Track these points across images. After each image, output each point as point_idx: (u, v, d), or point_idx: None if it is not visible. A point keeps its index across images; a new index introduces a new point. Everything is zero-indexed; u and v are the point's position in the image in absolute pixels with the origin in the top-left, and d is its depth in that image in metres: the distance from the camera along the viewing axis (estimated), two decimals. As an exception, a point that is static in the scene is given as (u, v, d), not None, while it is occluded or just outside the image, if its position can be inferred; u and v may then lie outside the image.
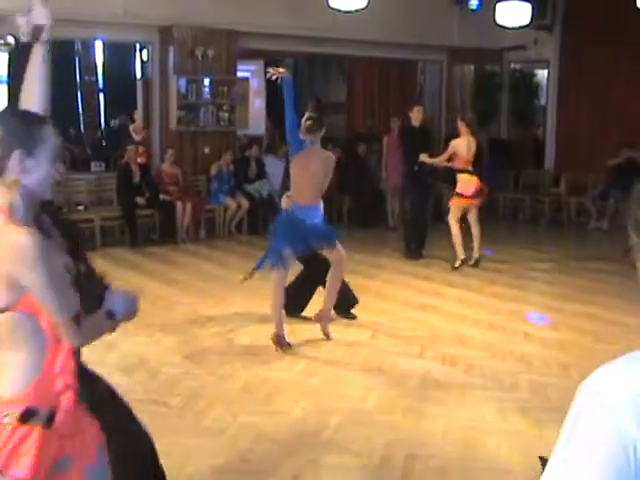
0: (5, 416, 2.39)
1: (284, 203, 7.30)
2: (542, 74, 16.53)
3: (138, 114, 14.32)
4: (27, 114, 2.59)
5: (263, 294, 8.38)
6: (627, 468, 1.10)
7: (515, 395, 5.89)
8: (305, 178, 6.98)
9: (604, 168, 13.75)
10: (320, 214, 7.10)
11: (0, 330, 2.41)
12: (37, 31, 2.94)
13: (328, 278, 7.33)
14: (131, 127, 14.87)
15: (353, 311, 8.00)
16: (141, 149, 12.76)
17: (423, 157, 10.61)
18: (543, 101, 16.49)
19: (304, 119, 7.06)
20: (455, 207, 10.37)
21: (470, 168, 10.23)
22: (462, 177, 10.24)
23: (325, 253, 7.22)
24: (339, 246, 7.19)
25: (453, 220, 10.35)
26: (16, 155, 2.40)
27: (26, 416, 2.40)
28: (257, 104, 17.17)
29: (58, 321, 2.40)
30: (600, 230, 13.72)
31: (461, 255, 10.35)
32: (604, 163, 13.70)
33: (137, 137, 13.90)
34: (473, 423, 5.35)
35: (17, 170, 2.41)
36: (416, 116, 10.97)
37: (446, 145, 10.70)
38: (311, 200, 7.00)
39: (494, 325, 7.87)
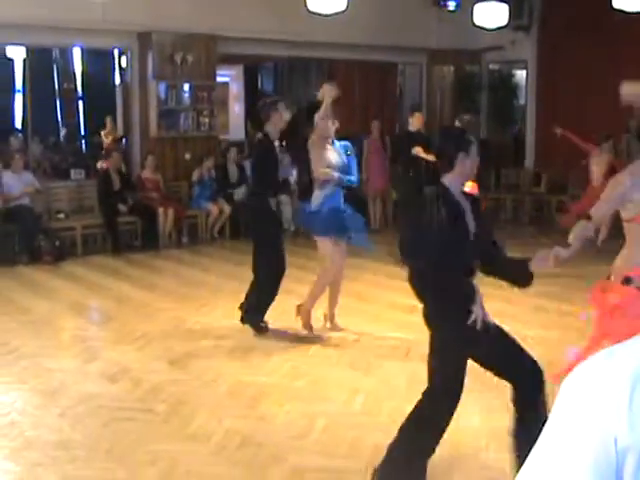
0: None
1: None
2: (521, 74, 16.60)
3: (117, 120, 14.30)
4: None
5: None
6: (608, 462, 1.10)
7: (501, 395, 5.87)
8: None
9: (583, 166, 13.84)
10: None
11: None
12: None
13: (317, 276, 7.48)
14: (103, 132, 14.92)
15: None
16: (116, 155, 12.67)
17: (417, 150, 10.43)
18: (522, 101, 16.56)
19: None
20: None
21: None
22: None
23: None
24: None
25: None
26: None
27: None
28: (237, 109, 17.14)
29: None
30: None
31: None
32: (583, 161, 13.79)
33: (106, 140, 13.89)
34: (460, 424, 5.34)
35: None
36: (415, 122, 10.90)
37: None
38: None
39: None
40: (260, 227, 7.60)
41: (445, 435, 5.13)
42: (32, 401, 5.86)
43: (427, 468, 4.28)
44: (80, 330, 7.91)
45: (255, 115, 7.55)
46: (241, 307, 7.64)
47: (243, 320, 7.58)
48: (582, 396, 1.13)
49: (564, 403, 1.16)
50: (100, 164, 13.29)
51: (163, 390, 6.06)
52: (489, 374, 6.28)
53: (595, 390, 1.12)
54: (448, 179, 4.22)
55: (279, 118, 7.32)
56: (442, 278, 4.16)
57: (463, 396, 5.83)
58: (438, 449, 4.92)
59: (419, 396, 5.84)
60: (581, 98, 14.45)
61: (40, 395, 5.97)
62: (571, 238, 4.71)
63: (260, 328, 7.51)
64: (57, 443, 5.05)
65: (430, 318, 4.36)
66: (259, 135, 7.57)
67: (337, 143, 7.52)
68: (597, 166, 11.82)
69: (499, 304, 8.58)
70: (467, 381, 6.18)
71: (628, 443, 1.09)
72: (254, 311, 7.54)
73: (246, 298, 7.67)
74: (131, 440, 5.09)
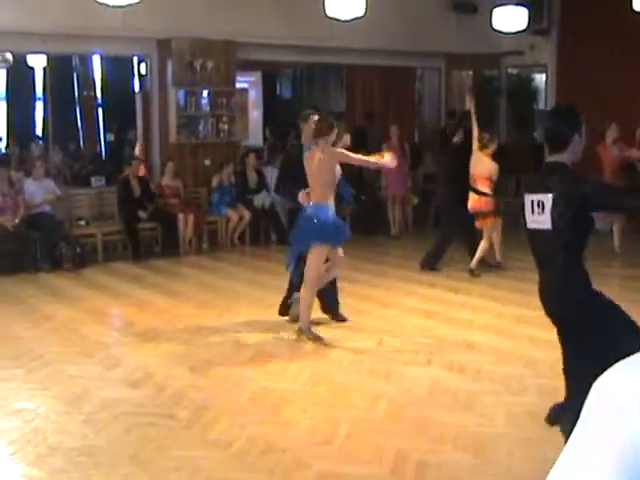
0: None
1: (301, 199, 7.34)
2: (540, 78, 16.55)
3: (137, 126, 14.36)
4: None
5: (267, 304, 8.39)
6: (638, 466, 1.09)
7: (524, 399, 5.87)
8: (311, 177, 7.15)
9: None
10: (330, 212, 7.18)
11: None
12: None
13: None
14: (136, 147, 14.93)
15: (342, 312, 8.11)
16: (135, 162, 12.67)
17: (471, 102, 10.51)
18: (542, 105, 16.49)
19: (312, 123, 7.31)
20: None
21: (478, 187, 10.02)
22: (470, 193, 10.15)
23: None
24: (339, 249, 7.33)
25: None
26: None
27: None
28: (255, 115, 17.20)
29: None
30: (604, 231, 13.68)
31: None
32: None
33: (138, 151, 13.96)
34: (483, 429, 5.33)
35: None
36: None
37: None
38: (319, 198, 7.09)
39: (500, 330, 7.84)
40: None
41: (468, 441, 5.13)
42: (55, 407, 5.88)
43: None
44: (102, 336, 7.94)
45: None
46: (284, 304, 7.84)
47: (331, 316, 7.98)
48: (612, 400, 1.13)
49: (593, 407, 1.16)
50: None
51: (185, 396, 6.07)
52: (511, 379, 6.28)
53: (625, 395, 1.12)
54: (562, 158, 4.32)
55: (308, 129, 7.42)
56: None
57: (486, 401, 5.84)
58: (461, 455, 4.92)
59: (441, 402, 5.85)
60: (601, 102, 14.37)
61: (63, 401, 5.99)
62: None
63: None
64: (80, 449, 5.06)
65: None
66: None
67: None
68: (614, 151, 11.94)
69: (519, 310, 8.57)
70: (490, 386, 6.20)
71: None
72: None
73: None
74: (154, 446, 5.10)
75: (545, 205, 4.22)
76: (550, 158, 4.37)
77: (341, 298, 8.14)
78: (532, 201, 4.29)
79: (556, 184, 4.23)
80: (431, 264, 10.66)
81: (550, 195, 4.20)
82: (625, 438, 1.10)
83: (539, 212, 4.25)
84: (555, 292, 4.45)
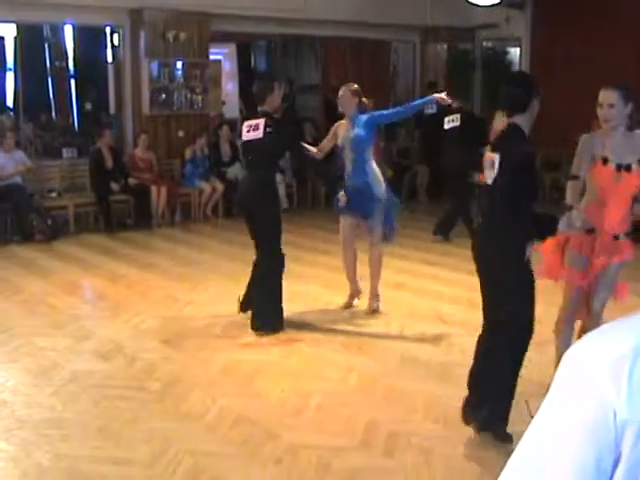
0: None
1: None
2: (515, 52, 16.54)
3: (110, 98, 14.19)
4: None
5: (239, 277, 8.34)
6: (607, 435, 1.10)
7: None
8: None
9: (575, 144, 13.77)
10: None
11: None
12: None
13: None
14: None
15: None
16: (108, 133, 12.43)
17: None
18: (516, 78, 16.48)
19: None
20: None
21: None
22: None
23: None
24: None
25: None
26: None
27: None
28: (230, 87, 17.06)
29: None
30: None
31: None
32: (576, 138, 13.72)
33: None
34: (454, 400, 5.34)
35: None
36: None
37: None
38: None
39: (472, 302, 7.85)
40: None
41: (438, 412, 5.14)
42: (24, 380, 5.84)
43: None
44: (73, 309, 7.88)
45: (252, 97, 7.23)
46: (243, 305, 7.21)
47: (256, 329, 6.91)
48: (582, 369, 1.13)
49: (564, 376, 1.16)
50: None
51: (157, 368, 6.05)
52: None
53: (595, 363, 1.12)
54: (520, 120, 4.56)
55: (275, 98, 7.04)
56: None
57: (458, 373, 5.84)
58: (431, 426, 4.93)
59: (413, 373, 5.87)
60: (575, 76, 14.40)
61: (32, 374, 5.95)
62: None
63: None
64: (49, 422, 5.03)
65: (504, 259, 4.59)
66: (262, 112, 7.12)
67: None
68: None
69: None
70: (461, 358, 6.20)
71: (626, 417, 1.09)
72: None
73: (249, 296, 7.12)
74: (124, 418, 5.09)
75: (495, 163, 4.52)
76: (509, 120, 4.63)
77: (314, 270, 8.11)
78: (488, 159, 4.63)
79: (504, 145, 4.57)
80: (444, 231, 11.00)
81: (497, 155, 4.53)
82: (594, 407, 1.10)
83: (489, 168, 4.57)
84: (489, 245, 4.67)
